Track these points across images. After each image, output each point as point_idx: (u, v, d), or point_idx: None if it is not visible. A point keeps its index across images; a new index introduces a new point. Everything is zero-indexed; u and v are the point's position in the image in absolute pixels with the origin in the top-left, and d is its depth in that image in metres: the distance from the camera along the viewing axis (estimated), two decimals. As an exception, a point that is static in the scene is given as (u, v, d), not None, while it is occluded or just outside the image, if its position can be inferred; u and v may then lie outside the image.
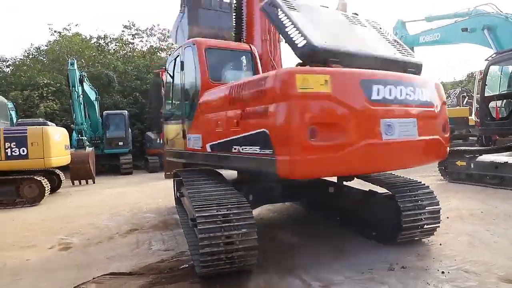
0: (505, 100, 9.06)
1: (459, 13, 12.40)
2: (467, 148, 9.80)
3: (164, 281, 3.86)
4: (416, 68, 4.44)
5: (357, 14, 4.94)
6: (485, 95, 9.30)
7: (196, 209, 3.78)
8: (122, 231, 6.00)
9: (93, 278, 3.99)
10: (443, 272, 3.78)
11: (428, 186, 4.86)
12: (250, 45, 5.95)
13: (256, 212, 6.86)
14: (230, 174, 5.84)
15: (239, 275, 3.82)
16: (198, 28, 7.00)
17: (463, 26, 11.18)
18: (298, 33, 3.82)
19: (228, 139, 4.24)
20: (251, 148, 3.82)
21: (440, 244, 4.68)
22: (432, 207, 4.62)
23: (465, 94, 21.06)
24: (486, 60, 9.37)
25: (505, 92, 9.02)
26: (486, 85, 9.28)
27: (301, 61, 3.87)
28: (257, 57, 5.79)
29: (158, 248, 5.01)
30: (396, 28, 14.38)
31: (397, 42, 4.75)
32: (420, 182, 4.94)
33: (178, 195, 6.32)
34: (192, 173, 5.33)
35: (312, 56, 3.76)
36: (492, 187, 8.53)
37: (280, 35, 4.79)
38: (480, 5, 11.20)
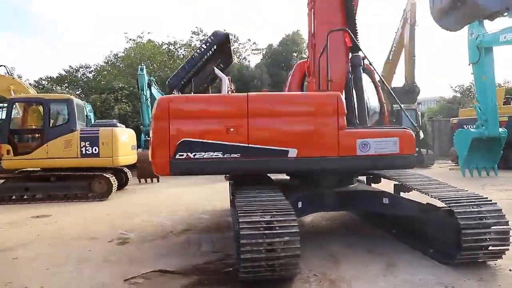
0: None
1: (549, 8, 11.01)
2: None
3: (206, 282, 3.95)
4: None
5: None
6: None
7: (240, 215, 3.81)
8: (176, 230, 6.26)
9: (142, 274, 4.21)
10: (508, 302, 3.38)
11: (496, 203, 4.37)
12: None
13: (308, 218, 6.77)
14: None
15: (280, 283, 3.78)
16: None
17: (554, 22, 9.92)
18: None
19: None
20: None
21: (510, 270, 4.18)
22: (499, 227, 4.14)
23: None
24: None
25: None
26: None
27: None
28: None
29: (207, 250, 5.14)
30: (473, 26, 13.18)
31: None
32: (486, 198, 4.46)
33: (232, 197, 6.44)
34: (244, 177, 5.39)
35: None
36: None
37: None
38: None
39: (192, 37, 28.94)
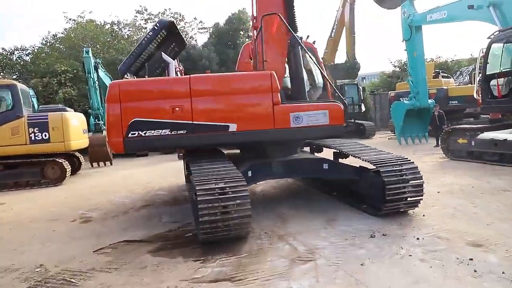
0: (506, 78, 9.16)
1: (467, -10, 12.27)
2: (468, 125, 9.98)
3: (170, 246, 4.42)
4: None
5: None
6: (487, 73, 9.42)
7: (197, 183, 4.29)
8: (136, 207, 6.61)
9: (110, 244, 4.59)
10: (418, 238, 4.20)
11: (413, 162, 5.21)
12: None
13: (259, 188, 7.41)
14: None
15: (235, 241, 4.34)
16: None
17: (470, 3, 11.11)
18: None
19: None
20: None
21: (424, 215, 5.07)
22: (416, 181, 4.99)
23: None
24: (489, 38, 9.43)
25: (507, 70, 9.11)
26: (488, 63, 9.38)
27: None
28: None
29: (167, 221, 5.58)
30: (404, 6, 14.29)
31: None
32: (407, 158, 5.29)
33: (188, 173, 6.86)
34: (197, 153, 5.83)
35: None
36: (491, 164, 8.78)
37: None
38: (488, -19, 11.06)
39: (136, 16, 28.13)
